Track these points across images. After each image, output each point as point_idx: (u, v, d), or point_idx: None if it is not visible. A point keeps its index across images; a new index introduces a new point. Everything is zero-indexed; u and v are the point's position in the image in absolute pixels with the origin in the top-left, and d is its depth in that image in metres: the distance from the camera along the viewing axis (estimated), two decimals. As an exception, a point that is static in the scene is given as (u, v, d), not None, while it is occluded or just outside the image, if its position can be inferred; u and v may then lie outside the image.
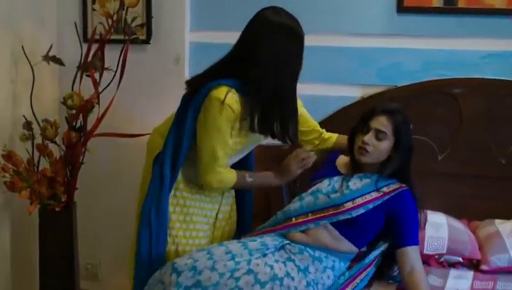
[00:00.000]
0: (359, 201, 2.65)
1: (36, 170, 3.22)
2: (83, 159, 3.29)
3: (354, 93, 3.40)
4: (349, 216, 2.65)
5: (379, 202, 2.67)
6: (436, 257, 2.92)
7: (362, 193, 2.67)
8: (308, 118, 3.00)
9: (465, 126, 3.27)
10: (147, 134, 2.98)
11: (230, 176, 2.70)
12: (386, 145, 2.69)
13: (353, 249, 2.70)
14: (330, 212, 2.67)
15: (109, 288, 3.81)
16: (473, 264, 2.94)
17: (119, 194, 3.63)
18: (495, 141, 3.25)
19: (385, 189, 2.69)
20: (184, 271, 2.45)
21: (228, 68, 2.60)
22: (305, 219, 2.70)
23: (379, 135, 2.69)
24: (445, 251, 2.93)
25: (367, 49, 3.37)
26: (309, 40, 3.39)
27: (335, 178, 2.77)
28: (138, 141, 3.21)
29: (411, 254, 2.61)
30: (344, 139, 2.91)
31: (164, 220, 2.68)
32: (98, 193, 3.68)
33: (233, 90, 2.56)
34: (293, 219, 2.72)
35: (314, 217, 2.69)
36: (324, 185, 2.76)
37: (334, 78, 3.42)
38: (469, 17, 3.25)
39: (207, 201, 2.82)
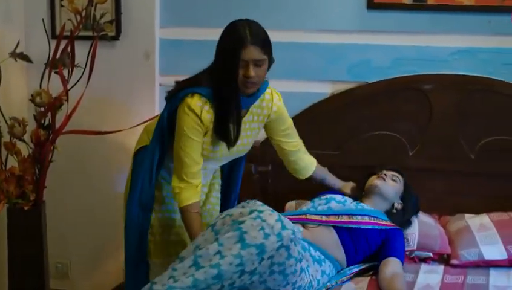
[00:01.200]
0: (371, 220, 2.84)
1: (3, 168, 3.18)
2: (51, 157, 3.25)
3: (324, 89, 3.41)
4: (356, 226, 2.79)
5: (384, 228, 2.83)
6: (407, 253, 2.93)
7: (375, 215, 2.86)
8: (294, 134, 2.99)
9: (435, 122, 3.29)
10: (116, 131, 2.95)
11: (186, 196, 2.68)
12: (399, 187, 3.02)
13: (343, 261, 2.77)
14: (344, 219, 2.82)
15: (79, 287, 3.78)
16: (444, 259, 2.96)
17: (88, 192, 3.60)
18: (465, 137, 3.28)
19: (389, 222, 2.90)
20: None
21: (209, 76, 2.64)
22: (318, 219, 2.82)
23: (393, 177, 3.03)
24: (415, 247, 2.95)
25: (337, 46, 3.37)
26: (279, 37, 3.40)
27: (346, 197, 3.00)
28: (108, 139, 3.19)
29: (396, 264, 2.68)
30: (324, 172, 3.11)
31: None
32: (68, 192, 3.64)
33: (205, 99, 2.61)
34: (307, 215, 2.84)
35: (327, 219, 2.80)
36: (338, 196, 2.98)
37: (304, 75, 3.42)
38: (439, 13, 3.27)
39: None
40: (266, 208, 2.41)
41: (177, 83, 2.72)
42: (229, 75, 2.54)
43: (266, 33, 2.58)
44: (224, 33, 2.59)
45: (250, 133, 2.80)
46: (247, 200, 2.55)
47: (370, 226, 2.82)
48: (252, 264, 2.26)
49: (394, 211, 2.97)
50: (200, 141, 2.65)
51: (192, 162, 2.65)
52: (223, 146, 2.72)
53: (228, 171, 3.03)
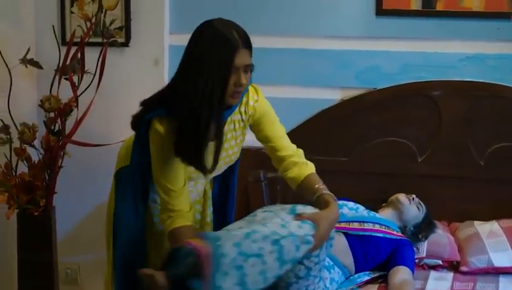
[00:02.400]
0: (382, 228, 2.84)
1: (14, 174, 3.19)
2: (61, 162, 3.26)
3: (333, 96, 3.41)
4: (368, 234, 2.79)
5: (394, 238, 2.82)
6: (416, 261, 2.93)
7: (386, 224, 2.86)
8: (280, 136, 2.61)
9: (444, 128, 3.29)
10: (120, 142, 2.95)
11: (177, 221, 2.38)
12: (417, 215, 3.02)
13: (352, 268, 2.76)
14: (355, 226, 2.81)
15: (88, 292, 3.79)
16: (453, 266, 2.95)
17: (98, 198, 3.60)
18: (474, 143, 3.27)
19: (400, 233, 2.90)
20: None
21: (162, 95, 2.41)
22: (340, 226, 2.77)
23: (418, 205, 3.04)
24: (424, 255, 2.95)
25: (346, 52, 3.38)
26: (288, 43, 3.43)
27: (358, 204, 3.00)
28: (117, 145, 3.19)
29: (405, 272, 2.68)
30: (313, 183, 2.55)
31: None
32: (77, 197, 3.65)
33: (166, 119, 2.33)
34: None
35: (338, 225, 2.68)
36: (350, 203, 2.97)
37: (313, 81, 3.42)
38: (447, 20, 3.27)
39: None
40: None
41: (142, 104, 2.44)
42: (217, 88, 2.22)
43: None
44: (205, 39, 2.26)
45: (235, 143, 2.54)
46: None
47: (380, 234, 2.81)
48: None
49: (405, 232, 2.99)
50: (176, 168, 2.37)
51: (173, 189, 2.38)
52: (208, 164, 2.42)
53: (221, 180, 2.76)
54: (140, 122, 2.40)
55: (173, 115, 2.30)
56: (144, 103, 2.43)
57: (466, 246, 2.97)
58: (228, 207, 2.80)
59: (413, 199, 3.02)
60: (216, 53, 2.22)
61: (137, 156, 2.48)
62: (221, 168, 2.55)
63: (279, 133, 2.58)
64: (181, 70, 2.33)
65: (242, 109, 2.48)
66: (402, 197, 3.01)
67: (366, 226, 2.83)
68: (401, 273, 2.66)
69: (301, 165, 2.55)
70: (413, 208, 3.00)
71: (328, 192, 2.46)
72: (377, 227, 2.83)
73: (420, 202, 3.04)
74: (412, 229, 2.98)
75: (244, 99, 2.46)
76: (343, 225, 2.81)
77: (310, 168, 2.57)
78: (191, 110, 2.24)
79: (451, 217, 3.26)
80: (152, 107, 2.37)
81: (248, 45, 2.26)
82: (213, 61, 2.21)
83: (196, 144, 2.29)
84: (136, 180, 2.51)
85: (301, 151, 2.60)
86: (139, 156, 2.47)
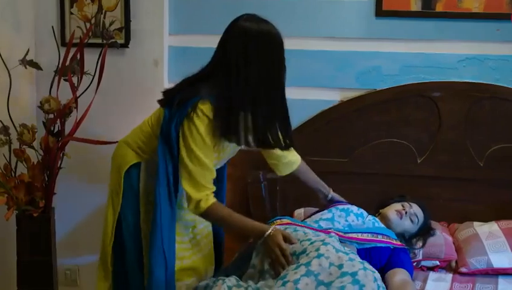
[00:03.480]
0: (384, 238, 2.78)
1: (13, 175, 3.19)
2: (61, 164, 3.26)
3: (333, 97, 3.41)
4: (375, 245, 2.73)
5: (392, 247, 2.76)
6: (414, 263, 2.93)
7: (387, 233, 2.81)
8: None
9: (443, 129, 3.29)
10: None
11: (211, 201, 2.49)
12: (412, 228, 2.93)
13: None
14: (365, 237, 2.75)
15: (88, 294, 3.79)
16: (452, 267, 2.95)
17: (98, 199, 3.60)
18: (473, 144, 3.27)
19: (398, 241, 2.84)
20: None
21: (211, 82, 2.50)
22: (341, 234, 2.71)
23: (412, 217, 2.93)
24: (421, 257, 2.95)
25: (346, 53, 3.38)
26: (288, 44, 3.39)
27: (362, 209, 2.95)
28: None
29: (404, 273, 2.64)
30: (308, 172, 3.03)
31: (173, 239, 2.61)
32: (77, 198, 3.64)
33: (210, 102, 2.46)
34: (331, 231, 2.70)
35: (350, 236, 2.71)
36: (354, 208, 2.93)
37: (313, 82, 3.42)
38: (447, 21, 3.28)
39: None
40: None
41: (175, 89, 2.58)
42: (272, 84, 2.52)
43: None
44: (275, 42, 2.53)
45: None
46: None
47: (383, 245, 2.77)
48: None
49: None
50: (213, 151, 2.51)
51: (212, 170, 2.50)
52: (226, 150, 2.60)
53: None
54: (184, 102, 2.47)
55: (229, 101, 2.45)
56: (186, 84, 2.55)
57: (465, 247, 2.98)
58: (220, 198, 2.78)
59: (406, 212, 2.91)
60: (276, 49, 2.54)
61: (167, 144, 2.51)
62: (227, 158, 2.70)
63: None
64: (232, 63, 2.46)
65: None
66: (391, 214, 2.90)
67: (371, 237, 2.77)
68: (400, 274, 2.65)
69: (293, 155, 2.92)
70: (404, 223, 2.90)
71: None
72: (379, 238, 2.78)
73: (416, 213, 2.93)
74: (407, 237, 2.94)
75: None
76: (355, 235, 2.76)
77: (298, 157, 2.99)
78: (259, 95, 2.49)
79: (451, 218, 3.26)
80: (198, 90, 2.48)
81: None
82: (281, 54, 2.55)
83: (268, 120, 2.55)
84: (169, 170, 2.54)
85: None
86: (173, 143, 2.50)
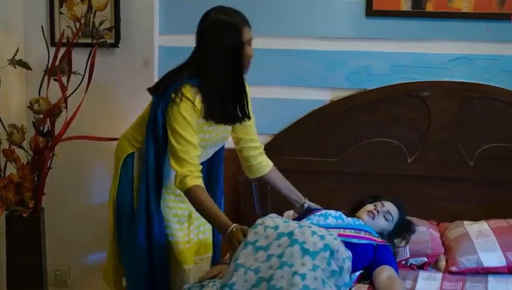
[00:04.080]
0: (366, 235, 2.80)
1: (2, 175, 3.18)
2: (50, 164, 3.25)
3: (323, 96, 3.41)
4: (364, 242, 2.76)
5: (376, 244, 2.79)
6: (403, 262, 2.94)
7: (368, 230, 2.84)
8: (252, 129, 2.98)
9: (433, 129, 3.30)
10: (115, 139, 2.95)
11: (196, 181, 2.65)
12: (387, 226, 2.95)
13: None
14: (352, 234, 2.78)
15: (78, 294, 3.77)
16: (442, 266, 2.96)
17: (87, 199, 3.59)
18: (463, 144, 3.28)
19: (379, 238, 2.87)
20: None
21: (190, 69, 2.71)
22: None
23: (386, 215, 2.94)
24: (408, 255, 2.95)
25: (336, 53, 3.38)
26: (279, 44, 3.43)
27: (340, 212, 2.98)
28: (106, 146, 3.18)
29: (390, 270, 2.66)
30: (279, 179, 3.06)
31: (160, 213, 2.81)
32: (67, 199, 3.64)
33: (196, 88, 2.67)
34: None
35: (339, 233, 2.72)
36: (332, 211, 2.94)
37: (303, 82, 3.43)
38: (437, 21, 3.28)
39: (177, 201, 2.88)
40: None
41: (162, 78, 2.79)
42: (237, 66, 2.68)
43: None
44: (215, 30, 2.67)
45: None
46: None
47: (367, 241, 2.79)
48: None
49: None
50: (195, 129, 2.67)
51: (195, 145, 2.66)
52: (212, 132, 2.77)
53: (207, 174, 2.95)
54: (167, 88, 2.69)
55: (203, 84, 2.67)
56: (170, 73, 2.75)
57: (455, 246, 2.98)
58: (216, 199, 2.95)
59: (378, 212, 2.92)
60: (229, 41, 2.65)
61: (153, 131, 2.72)
62: (216, 144, 2.85)
63: (253, 126, 2.97)
64: (202, 54, 2.69)
65: None
66: (364, 215, 2.93)
67: (353, 233, 2.80)
68: (386, 271, 2.66)
69: (266, 159, 3.02)
70: (378, 222, 2.92)
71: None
72: (362, 234, 2.81)
73: (390, 210, 2.94)
74: (386, 236, 2.95)
75: None
76: (341, 231, 2.77)
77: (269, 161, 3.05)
78: (222, 78, 2.68)
79: (441, 217, 3.26)
80: (179, 76, 2.69)
81: (247, 23, 2.70)
82: (230, 47, 2.65)
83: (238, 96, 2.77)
84: (152, 155, 2.75)
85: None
86: (158, 129, 2.71)
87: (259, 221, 2.53)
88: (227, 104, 2.74)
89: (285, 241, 2.39)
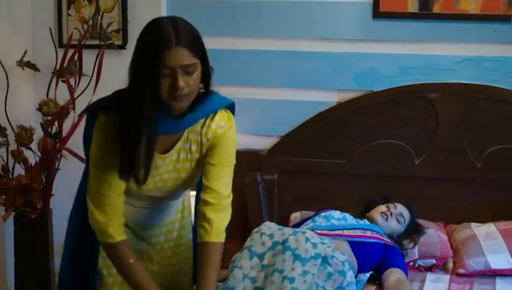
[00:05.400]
0: (373, 234, 2.83)
1: (10, 176, 3.19)
2: (58, 165, 3.26)
3: (330, 98, 3.41)
4: (368, 241, 2.78)
5: (384, 243, 2.82)
6: (411, 263, 2.94)
7: (375, 229, 2.86)
8: (217, 177, 2.19)
9: (441, 130, 3.29)
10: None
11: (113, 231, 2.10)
12: (399, 228, 2.95)
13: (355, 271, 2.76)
14: (357, 233, 2.80)
15: (85, 295, 3.77)
16: (450, 268, 2.96)
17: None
18: (470, 145, 3.27)
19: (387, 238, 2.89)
20: None
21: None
22: (326, 233, 2.75)
23: (398, 218, 2.96)
24: (417, 256, 2.96)
25: (343, 54, 3.38)
26: (286, 45, 3.43)
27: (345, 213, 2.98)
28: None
29: (399, 272, 2.68)
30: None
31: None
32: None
33: (114, 112, 2.09)
34: (315, 231, 2.71)
35: (338, 233, 2.76)
36: (337, 213, 2.95)
37: (310, 83, 3.43)
38: (444, 22, 3.28)
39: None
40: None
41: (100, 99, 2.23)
42: (148, 88, 1.96)
43: (197, 31, 2.05)
44: (143, 31, 2.03)
45: (189, 166, 2.19)
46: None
47: (373, 240, 2.81)
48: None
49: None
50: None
51: (113, 191, 2.10)
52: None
53: None
54: (88, 111, 2.21)
55: (119, 110, 2.06)
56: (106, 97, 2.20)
57: (463, 248, 2.98)
58: None
59: (391, 213, 2.94)
60: (146, 49, 1.97)
61: (85, 149, 2.23)
62: (171, 189, 2.22)
63: (221, 174, 2.18)
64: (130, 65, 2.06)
65: (203, 131, 2.16)
66: (377, 216, 2.94)
67: (359, 232, 2.82)
68: (395, 274, 2.67)
69: (208, 225, 2.15)
70: (390, 224, 2.94)
71: None
72: (368, 233, 2.82)
73: (402, 213, 2.97)
74: (395, 238, 2.96)
75: (208, 121, 2.16)
76: (340, 232, 2.80)
77: (214, 233, 2.15)
78: (126, 108, 2.02)
79: (448, 219, 3.26)
80: (104, 99, 2.17)
81: (188, 44, 1.97)
82: (146, 52, 1.97)
83: (130, 145, 2.02)
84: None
85: (228, 200, 2.21)
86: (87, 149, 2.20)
87: (255, 230, 2.53)
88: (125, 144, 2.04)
89: (279, 250, 2.40)
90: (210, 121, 2.15)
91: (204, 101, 2.09)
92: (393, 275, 2.67)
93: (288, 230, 2.50)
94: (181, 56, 1.95)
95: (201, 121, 2.14)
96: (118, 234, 2.10)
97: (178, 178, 2.19)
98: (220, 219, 2.17)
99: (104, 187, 2.09)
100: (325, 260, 2.41)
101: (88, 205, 2.13)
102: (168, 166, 2.16)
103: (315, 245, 2.40)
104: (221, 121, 2.16)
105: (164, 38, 1.94)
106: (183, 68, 1.95)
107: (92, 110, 2.15)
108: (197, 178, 2.25)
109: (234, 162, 2.22)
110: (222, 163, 2.18)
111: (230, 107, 2.22)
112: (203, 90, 2.07)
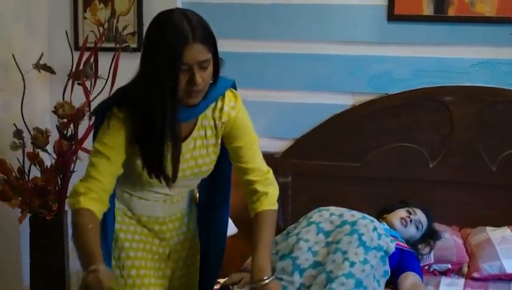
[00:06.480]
0: (396, 241, 2.80)
1: (26, 178, 3.20)
2: (74, 167, 3.27)
3: (345, 101, 3.41)
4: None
5: (401, 248, 2.80)
6: (426, 267, 2.92)
7: (395, 235, 2.84)
8: (249, 157, 2.22)
9: (455, 134, 3.28)
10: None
11: (88, 201, 2.02)
12: (416, 235, 2.93)
13: None
14: None
15: (100, 297, 3.78)
16: (464, 272, 2.94)
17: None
18: (486, 149, 3.26)
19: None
20: None
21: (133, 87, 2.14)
22: None
23: (417, 224, 2.92)
24: (432, 261, 2.94)
25: (358, 57, 3.38)
26: (300, 48, 3.43)
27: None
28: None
29: (414, 277, 2.67)
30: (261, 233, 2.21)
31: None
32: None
33: (128, 110, 2.07)
34: None
35: None
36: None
37: (325, 86, 3.43)
38: (459, 25, 3.27)
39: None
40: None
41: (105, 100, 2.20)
42: (168, 83, 1.95)
43: (207, 23, 2.03)
44: (155, 27, 2.00)
45: (206, 152, 2.19)
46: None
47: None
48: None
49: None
50: (115, 157, 2.05)
51: (112, 161, 2.05)
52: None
53: (210, 190, 2.40)
54: (99, 108, 2.14)
55: (133, 108, 2.05)
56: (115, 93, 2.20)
57: (478, 252, 2.96)
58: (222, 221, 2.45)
59: (411, 220, 2.90)
60: (164, 47, 1.94)
61: None
62: (188, 179, 2.20)
63: (251, 153, 2.22)
64: (140, 64, 2.08)
65: (216, 115, 2.16)
66: (396, 221, 2.90)
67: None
68: (411, 278, 2.66)
69: (259, 197, 2.22)
70: (409, 230, 2.90)
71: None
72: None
73: (421, 220, 2.93)
74: (412, 243, 2.93)
75: (219, 104, 2.16)
76: None
77: (266, 202, 2.22)
78: (144, 105, 2.01)
79: (463, 222, 3.24)
80: (116, 97, 2.15)
81: (203, 39, 1.96)
82: (162, 57, 1.94)
83: (154, 145, 2.03)
84: None
85: (270, 174, 2.26)
86: None
87: (322, 208, 2.66)
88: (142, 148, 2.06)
89: (346, 229, 2.50)
90: (221, 103, 2.16)
91: (213, 86, 2.09)
92: (409, 279, 2.66)
93: (357, 213, 2.60)
94: (197, 52, 1.94)
95: (212, 105, 2.14)
96: (88, 202, 2.00)
97: (195, 165, 2.18)
98: (271, 191, 2.23)
99: (99, 173, 2.04)
100: (385, 255, 2.50)
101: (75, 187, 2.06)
102: (186, 155, 2.14)
103: (379, 236, 2.50)
104: (230, 101, 2.18)
105: (182, 35, 1.93)
106: (199, 64, 1.96)
107: (104, 108, 2.11)
108: (213, 165, 2.23)
109: (256, 136, 2.24)
110: (247, 143, 2.20)
111: (233, 85, 2.23)
112: (211, 81, 2.06)
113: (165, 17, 2.00)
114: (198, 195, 2.41)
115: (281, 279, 2.36)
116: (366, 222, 2.53)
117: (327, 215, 2.61)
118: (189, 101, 2.01)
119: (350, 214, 2.59)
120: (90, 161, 2.09)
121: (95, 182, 2.03)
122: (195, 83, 1.95)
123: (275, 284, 2.11)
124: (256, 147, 2.24)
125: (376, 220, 2.60)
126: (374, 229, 2.51)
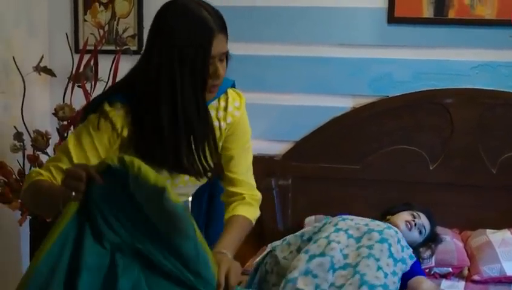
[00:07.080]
0: None
1: (26, 180, 3.20)
2: (74, 169, 3.27)
3: (345, 103, 3.40)
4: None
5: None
6: (427, 270, 2.92)
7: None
8: (242, 167, 2.14)
9: (456, 136, 3.28)
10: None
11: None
12: (418, 239, 2.87)
13: None
14: None
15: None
16: (464, 275, 2.94)
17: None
18: (486, 151, 3.26)
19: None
20: None
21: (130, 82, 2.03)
22: None
23: (421, 229, 2.85)
24: (433, 264, 2.93)
25: (358, 60, 3.38)
26: (301, 51, 3.43)
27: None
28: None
29: (426, 280, 2.64)
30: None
31: None
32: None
33: (120, 104, 1.94)
34: None
35: None
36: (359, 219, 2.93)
37: (325, 89, 3.43)
38: (459, 27, 3.27)
39: None
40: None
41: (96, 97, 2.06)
42: (199, 77, 1.83)
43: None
44: (176, 21, 1.83)
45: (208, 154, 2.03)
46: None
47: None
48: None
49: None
50: (96, 147, 1.89)
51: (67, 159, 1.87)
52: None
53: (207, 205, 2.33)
54: (90, 105, 1.99)
55: (133, 103, 1.91)
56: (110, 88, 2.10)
57: (478, 255, 2.96)
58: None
59: (415, 224, 2.84)
60: (191, 41, 1.81)
61: None
62: (187, 185, 2.07)
63: (245, 164, 2.13)
64: (147, 57, 1.94)
65: (220, 115, 2.04)
66: (401, 224, 2.83)
67: None
68: (426, 282, 2.63)
69: (242, 203, 2.12)
70: (413, 234, 2.84)
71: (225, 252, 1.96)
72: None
73: (424, 224, 2.87)
74: (413, 247, 2.92)
75: (222, 103, 2.04)
76: None
77: (248, 212, 2.11)
78: (166, 100, 1.85)
79: (463, 225, 3.24)
80: (110, 91, 2.02)
81: (224, 28, 1.87)
82: (191, 51, 1.81)
83: (173, 141, 1.88)
84: None
85: (255, 194, 2.18)
86: None
87: (344, 217, 2.63)
88: (162, 142, 1.89)
89: (375, 237, 2.48)
90: (224, 103, 2.05)
91: None
92: (424, 283, 2.62)
93: (382, 223, 2.61)
94: (221, 43, 1.85)
95: (215, 105, 2.03)
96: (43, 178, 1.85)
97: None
98: (255, 206, 2.15)
99: (58, 173, 1.86)
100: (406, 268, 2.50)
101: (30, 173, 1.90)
102: None
103: (403, 248, 2.51)
104: (234, 101, 2.07)
105: (208, 27, 1.81)
106: (220, 56, 1.87)
107: (98, 104, 1.95)
108: (211, 171, 2.06)
109: (250, 147, 2.15)
110: (243, 151, 2.11)
111: (233, 85, 2.12)
112: None
113: (183, 9, 1.84)
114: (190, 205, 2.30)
115: (316, 275, 2.35)
116: (391, 233, 2.52)
117: (352, 223, 2.58)
118: (209, 96, 1.91)
119: (375, 224, 2.58)
120: (57, 155, 1.92)
121: (48, 167, 1.88)
122: (219, 75, 1.86)
123: (234, 262, 1.94)
124: (250, 159, 2.14)
125: (399, 231, 2.59)
126: (398, 241, 2.51)
